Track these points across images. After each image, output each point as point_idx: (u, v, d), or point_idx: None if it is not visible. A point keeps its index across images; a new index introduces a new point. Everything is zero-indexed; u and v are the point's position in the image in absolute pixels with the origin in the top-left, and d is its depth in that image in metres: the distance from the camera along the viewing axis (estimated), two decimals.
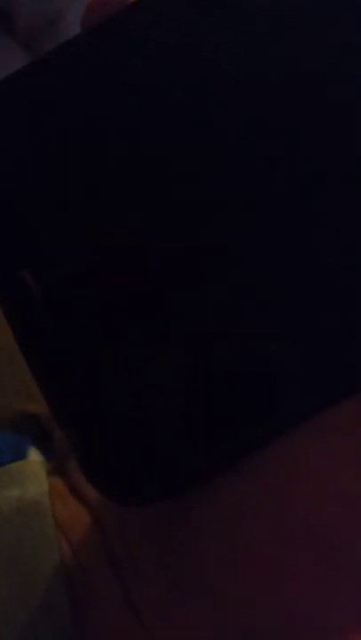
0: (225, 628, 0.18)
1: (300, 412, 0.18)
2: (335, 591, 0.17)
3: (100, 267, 0.19)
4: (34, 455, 0.59)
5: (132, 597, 0.19)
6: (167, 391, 0.18)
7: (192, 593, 0.18)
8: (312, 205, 0.18)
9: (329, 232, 0.18)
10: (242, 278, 0.18)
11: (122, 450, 0.18)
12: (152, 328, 0.18)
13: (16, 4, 0.83)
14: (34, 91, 0.19)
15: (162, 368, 0.18)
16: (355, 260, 0.18)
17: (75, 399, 0.19)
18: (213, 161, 0.18)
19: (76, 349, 0.19)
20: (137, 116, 0.18)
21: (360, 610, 0.17)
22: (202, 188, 0.18)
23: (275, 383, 0.18)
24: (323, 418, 0.17)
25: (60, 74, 0.19)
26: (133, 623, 0.19)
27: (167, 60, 0.18)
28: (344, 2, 0.18)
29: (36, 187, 0.19)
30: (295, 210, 0.18)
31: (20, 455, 0.60)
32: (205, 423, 0.18)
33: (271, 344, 0.18)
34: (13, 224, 0.19)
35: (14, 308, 0.19)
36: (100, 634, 0.19)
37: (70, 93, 0.19)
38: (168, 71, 0.18)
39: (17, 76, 0.19)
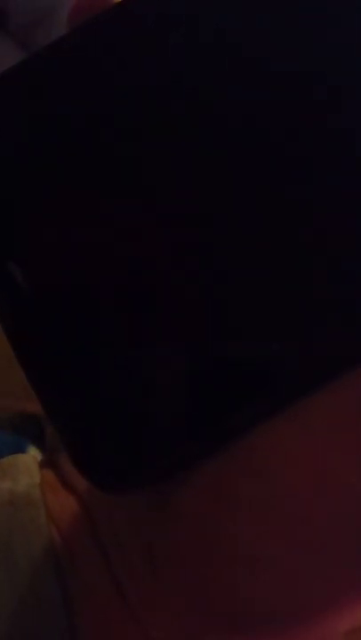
0: (210, 614, 0.18)
1: (294, 390, 0.18)
2: (316, 576, 0.18)
3: (92, 264, 0.19)
4: (34, 454, 0.60)
5: (120, 583, 0.19)
6: (155, 375, 0.18)
7: (175, 578, 0.18)
8: (308, 204, 0.19)
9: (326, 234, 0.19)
10: (239, 276, 0.19)
11: (108, 435, 0.18)
12: (143, 321, 0.19)
13: (10, 0, 0.83)
14: (25, 88, 0.19)
15: (152, 354, 0.19)
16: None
17: (63, 388, 0.19)
18: (210, 159, 0.19)
19: (66, 342, 0.19)
20: (122, 115, 0.19)
21: (340, 595, 0.18)
22: (198, 185, 0.19)
23: (268, 364, 0.18)
24: (313, 401, 0.17)
25: (50, 72, 0.19)
26: (121, 607, 0.19)
27: (152, 58, 0.19)
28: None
29: (24, 183, 0.19)
30: (288, 209, 0.19)
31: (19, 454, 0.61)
32: (195, 407, 0.18)
33: (271, 345, 0.18)
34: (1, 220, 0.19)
35: (5, 307, 0.19)
36: (88, 618, 0.20)
37: (61, 91, 0.19)
38: (151, 69, 0.19)
39: (8, 74, 0.19)
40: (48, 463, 0.24)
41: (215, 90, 0.19)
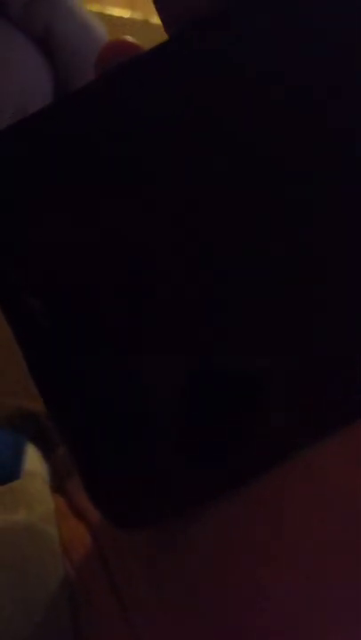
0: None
1: (294, 435, 0.18)
2: (323, 608, 0.18)
3: (93, 271, 0.19)
4: (32, 452, 0.60)
5: (133, 625, 0.20)
6: (167, 409, 0.18)
7: (188, 622, 0.19)
8: (304, 224, 0.18)
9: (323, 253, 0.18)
10: (237, 290, 0.19)
11: (124, 472, 0.19)
12: (151, 340, 0.19)
13: None
14: (49, 137, 0.19)
15: (162, 383, 0.18)
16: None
17: (79, 416, 0.19)
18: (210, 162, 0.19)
19: (80, 366, 0.19)
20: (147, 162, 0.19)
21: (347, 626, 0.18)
22: (196, 204, 0.19)
23: (266, 399, 0.18)
24: (323, 447, 0.17)
25: (72, 122, 0.19)
26: (128, 637, 0.20)
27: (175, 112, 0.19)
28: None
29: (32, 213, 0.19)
30: (287, 225, 0.19)
31: (18, 452, 0.61)
32: (203, 443, 0.18)
33: (263, 357, 0.18)
34: (15, 248, 0.19)
35: (21, 329, 0.19)
36: None
37: (83, 141, 0.19)
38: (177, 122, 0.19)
39: (30, 123, 0.19)
40: (57, 489, 0.24)
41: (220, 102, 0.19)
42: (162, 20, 0.19)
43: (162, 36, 0.19)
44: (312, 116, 0.18)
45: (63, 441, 0.19)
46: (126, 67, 0.19)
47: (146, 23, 1.16)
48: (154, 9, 0.19)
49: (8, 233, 0.19)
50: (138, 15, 1.19)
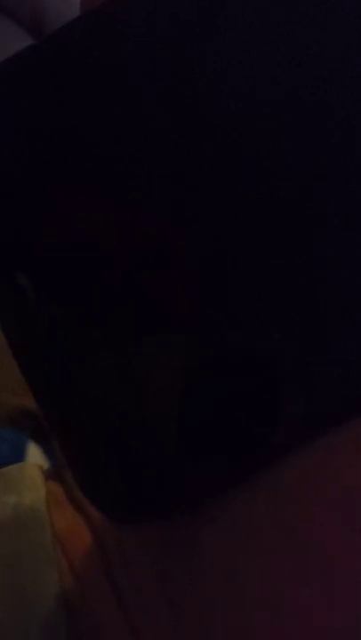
0: None
1: (307, 426, 0.17)
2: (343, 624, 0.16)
3: (94, 262, 0.18)
4: (33, 450, 0.59)
5: (135, 627, 0.18)
6: (166, 395, 0.17)
7: (191, 617, 0.17)
8: (316, 208, 0.18)
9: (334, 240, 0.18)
10: (241, 263, 0.18)
11: (120, 463, 0.17)
12: (150, 323, 0.18)
13: None
14: (28, 81, 0.19)
15: (161, 368, 0.18)
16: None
17: (71, 407, 0.18)
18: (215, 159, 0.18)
19: (72, 353, 0.18)
20: (123, 114, 0.18)
21: None
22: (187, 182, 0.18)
23: (277, 383, 0.17)
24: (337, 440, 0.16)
25: (54, 65, 0.19)
26: None
27: (162, 56, 0.18)
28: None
29: (25, 185, 0.19)
30: (299, 212, 0.18)
31: (19, 450, 0.60)
32: (205, 433, 0.17)
33: (273, 335, 0.17)
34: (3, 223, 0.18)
35: (7, 311, 0.18)
36: None
37: (63, 85, 0.19)
38: (162, 69, 0.18)
39: (9, 64, 0.18)
40: (55, 476, 0.22)
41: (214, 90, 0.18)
42: None
43: None
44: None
45: (52, 429, 0.17)
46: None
47: None
48: None
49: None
50: None
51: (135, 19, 0.18)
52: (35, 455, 0.58)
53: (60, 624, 0.18)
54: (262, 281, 0.18)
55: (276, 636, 0.16)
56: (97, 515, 0.20)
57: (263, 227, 0.18)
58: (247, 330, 0.18)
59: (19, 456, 0.59)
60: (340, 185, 0.18)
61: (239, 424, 0.17)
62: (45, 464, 0.63)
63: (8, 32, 0.84)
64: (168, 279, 0.18)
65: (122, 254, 0.18)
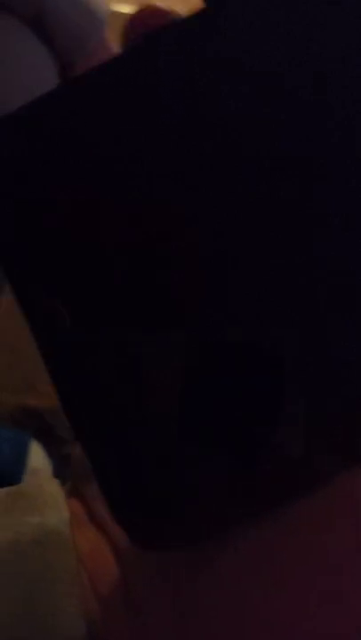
0: None
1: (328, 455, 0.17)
2: None
3: (94, 260, 0.18)
4: (35, 450, 0.59)
5: None
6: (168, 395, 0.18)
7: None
8: (316, 206, 0.18)
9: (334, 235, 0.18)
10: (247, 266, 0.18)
11: (151, 490, 0.17)
12: (151, 321, 0.18)
13: None
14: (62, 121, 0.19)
15: (162, 368, 0.18)
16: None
17: (104, 426, 0.18)
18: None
19: (106, 371, 0.18)
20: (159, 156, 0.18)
21: None
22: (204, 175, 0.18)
23: (277, 382, 0.17)
24: None
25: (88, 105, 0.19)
26: None
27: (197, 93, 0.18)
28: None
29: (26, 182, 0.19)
30: (301, 208, 0.18)
31: (20, 450, 0.60)
32: (205, 432, 0.17)
33: (273, 334, 0.18)
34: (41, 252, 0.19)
35: (43, 333, 0.18)
36: None
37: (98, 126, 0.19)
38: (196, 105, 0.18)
39: (43, 103, 0.18)
40: (74, 492, 0.22)
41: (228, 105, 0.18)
42: None
43: None
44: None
45: (84, 451, 0.17)
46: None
47: None
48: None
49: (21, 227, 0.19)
50: None
51: None
52: (37, 455, 0.58)
53: None
54: (262, 280, 0.18)
55: None
56: (119, 535, 0.20)
57: (263, 226, 0.18)
58: (247, 328, 0.18)
59: (21, 454, 0.59)
60: (339, 184, 0.18)
61: (239, 423, 0.17)
62: (48, 464, 0.62)
63: (11, 30, 0.84)
64: (169, 278, 0.18)
65: (122, 253, 0.18)
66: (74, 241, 0.18)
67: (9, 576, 0.19)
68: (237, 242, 0.18)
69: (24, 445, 0.58)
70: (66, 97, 0.19)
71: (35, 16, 0.86)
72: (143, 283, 0.18)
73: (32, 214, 0.19)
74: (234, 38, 0.18)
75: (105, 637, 0.18)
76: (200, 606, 0.17)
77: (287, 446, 0.17)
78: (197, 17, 0.18)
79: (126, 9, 1.12)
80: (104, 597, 0.19)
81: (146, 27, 0.18)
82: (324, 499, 0.17)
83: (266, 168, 0.18)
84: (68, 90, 0.19)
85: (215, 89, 0.18)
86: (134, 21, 0.18)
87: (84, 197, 0.18)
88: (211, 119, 0.18)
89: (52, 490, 0.22)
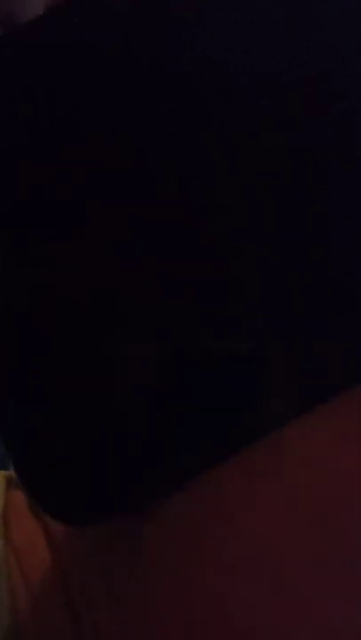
0: None
1: (282, 412, 0.16)
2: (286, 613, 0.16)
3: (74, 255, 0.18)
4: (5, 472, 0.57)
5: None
6: (136, 385, 0.17)
7: (135, 614, 0.16)
8: (310, 198, 0.17)
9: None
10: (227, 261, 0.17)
11: (70, 459, 0.16)
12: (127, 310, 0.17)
13: None
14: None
15: (133, 361, 0.17)
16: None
17: (20, 399, 0.17)
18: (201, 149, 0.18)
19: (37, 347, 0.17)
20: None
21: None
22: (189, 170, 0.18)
23: (260, 371, 0.17)
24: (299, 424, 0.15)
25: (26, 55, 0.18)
26: None
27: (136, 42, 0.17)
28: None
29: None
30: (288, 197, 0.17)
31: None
32: (184, 416, 0.17)
33: (255, 322, 0.17)
34: None
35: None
36: None
37: (37, 76, 0.18)
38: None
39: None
40: (18, 482, 0.22)
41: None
42: None
43: None
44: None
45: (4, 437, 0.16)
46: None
47: None
48: None
49: None
50: None
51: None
52: None
53: None
54: (244, 265, 0.17)
55: (218, 629, 0.16)
56: (53, 523, 0.19)
57: (248, 216, 0.17)
58: (227, 319, 0.17)
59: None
60: (338, 183, 0.17)
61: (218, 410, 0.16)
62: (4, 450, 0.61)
63: None
64: (144, 270, 0.17)
65: (97, 244, 0.17)
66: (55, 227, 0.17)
67: None
68: (218, 234, 0.17)
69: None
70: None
71: (6, 17, 0.86)
72: (118, 276, 0.17)
73: None
74: (233, 36, 0.17)
75: (36, 627, 0.18)
76: (135, 589, 0.17)
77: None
78: None
79: None
80: (37, 587, 0.18)
81: None
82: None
83: (264, 162, 0.17)
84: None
85: (212, 81, 0.17)
86: None
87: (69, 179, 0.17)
88: (208, 112, 0.17)
89: None
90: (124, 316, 0.17)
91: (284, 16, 0.18)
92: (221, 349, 0.17)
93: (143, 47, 0.17)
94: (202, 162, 0.17)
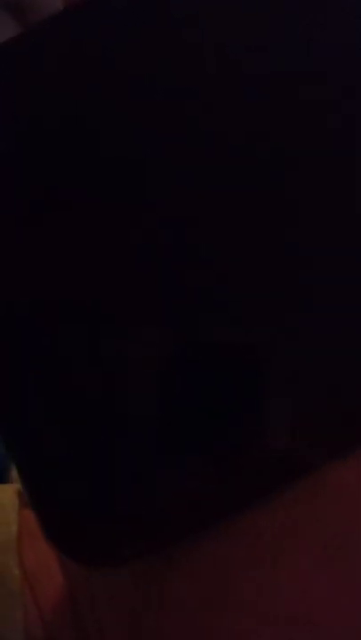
0: None
1: (300, 451, 0.16)
2: None
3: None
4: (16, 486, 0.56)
5: None
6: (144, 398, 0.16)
7: None
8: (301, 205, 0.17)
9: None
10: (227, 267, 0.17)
11: (87, 494, 0.16)
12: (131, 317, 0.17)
13: None
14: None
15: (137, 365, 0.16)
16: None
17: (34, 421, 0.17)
18: (196, 159, 0.17)
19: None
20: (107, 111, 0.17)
21: None
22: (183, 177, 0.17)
23: (259, 379, 0.16)
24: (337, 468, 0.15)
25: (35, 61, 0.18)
26: None
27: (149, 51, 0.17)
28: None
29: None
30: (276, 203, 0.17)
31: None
32: (186, 432, 0.16)
33: (257, 331, 0.17)
34: None
35: None
36: None
37: (44, 83, 0.18)
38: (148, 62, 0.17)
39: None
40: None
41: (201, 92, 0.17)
42: None
43: None
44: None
45: (11, 456, 0.16)
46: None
47: None
48: None
49: None
50: None
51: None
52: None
53: None
54: (242, 276, 0.17)
55: None
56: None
57: (240, 219, 0.17)
58: (227, 326, 0.17)
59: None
60: (311, 176, 0.17)
61: (221, 421, 0.16)
62: None
63: None
64: (142, 272, 0.17)
65: (95, 245, 0.17)
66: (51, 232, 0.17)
67: None
68: (213, 233, 0.17)
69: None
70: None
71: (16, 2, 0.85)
72: (116, 277, 0.17)
73: None
74: (232, 36, 0.17)
75: None
76: (153, 626, 0.16)
77: (271, 438, 0.16)
78: None
79: None
80: (49, 617, 0.18)
81: None
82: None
83: (249, 159, 0.17)
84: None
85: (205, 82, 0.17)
86: None
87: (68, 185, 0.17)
88: (198, 113, 0.17)
89: (5, 500, 0.21)
90: (124, 316, 0.17)
91: (287, 19, 0.17)
92: (221, 349, 0.16)
93: (144, 53, 0.17)
94: (193, 168, 0.17)
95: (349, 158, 0.17)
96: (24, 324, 0.17)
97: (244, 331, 0.16)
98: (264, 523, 0.15)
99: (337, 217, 0.17)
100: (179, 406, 0.16)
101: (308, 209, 0.17)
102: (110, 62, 0.17)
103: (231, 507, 0.15)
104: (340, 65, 0.17)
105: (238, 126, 0.17)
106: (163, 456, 0.16)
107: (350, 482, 0.15)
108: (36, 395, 0.17)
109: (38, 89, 0.18)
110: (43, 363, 0.17)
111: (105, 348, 0.16)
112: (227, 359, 0.16)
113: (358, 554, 0.15)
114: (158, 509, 0.16)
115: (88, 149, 0.17)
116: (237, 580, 0.15)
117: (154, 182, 0.17)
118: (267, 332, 0.16)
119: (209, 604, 0.15)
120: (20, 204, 0.17)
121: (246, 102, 0.17)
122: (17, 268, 0.17)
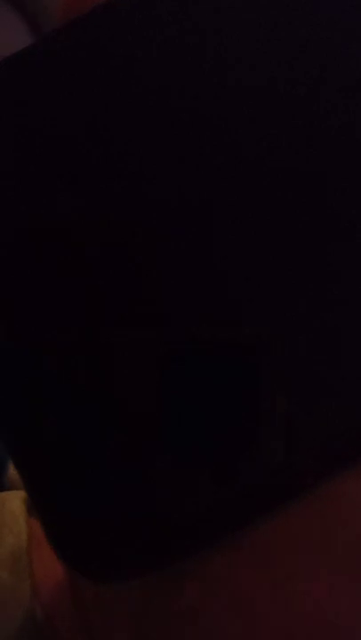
0: None
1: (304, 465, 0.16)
2: None
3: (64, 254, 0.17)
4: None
5: None
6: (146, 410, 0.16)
7: None
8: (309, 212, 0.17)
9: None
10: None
11: (97, 512, 0.16)
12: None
13: None
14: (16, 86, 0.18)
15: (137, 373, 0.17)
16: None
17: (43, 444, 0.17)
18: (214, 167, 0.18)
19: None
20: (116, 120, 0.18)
21: None
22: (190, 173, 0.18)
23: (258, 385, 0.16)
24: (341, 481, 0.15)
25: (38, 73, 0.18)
26: None
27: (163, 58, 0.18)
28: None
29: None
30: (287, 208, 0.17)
31: (1, 460, 0.58)
32: (188, 447, 0.16)
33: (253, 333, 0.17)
34: None
35: None
36: None
37: (52, 91, 0.18)
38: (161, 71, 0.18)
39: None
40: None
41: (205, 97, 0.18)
42: None
43: None
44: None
45: (21, 475, 0.16)
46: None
47: None
48: None
49: None
50: None
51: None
52: None
53: None
54: (243, 278, 0.17)
55: None
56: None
57: (248, 215, 0.17)
58: (225, 329, 0.17)
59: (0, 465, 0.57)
60: (339, 183, 0.17)
61: (219, 433, 0.16)
62: None
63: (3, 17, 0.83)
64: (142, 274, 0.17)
65: (94, 247, 0.17)
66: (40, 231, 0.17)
67: None
68: (219, 235, 0.18)
69: (3, 455, 0.56)
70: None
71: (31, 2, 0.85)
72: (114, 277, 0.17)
73: None
74: (231, 37, 0.18)
75: None
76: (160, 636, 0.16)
77: (270, 453, 0.16)
78: None
79: None
80: (57, 624, 0.18)
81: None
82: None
83: (264, 167, 0.18)
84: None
85: (213, 87, 0.18)
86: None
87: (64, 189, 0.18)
88: (208, 119, 0.18)
89: (14, 508, 0.21)
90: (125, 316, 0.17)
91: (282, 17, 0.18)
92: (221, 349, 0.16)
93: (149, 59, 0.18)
94: (191, 158, 0.18)
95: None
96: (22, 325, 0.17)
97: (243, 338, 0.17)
98: (277, 534, 0.15)
99: None
100: (180, 413, 0.16)
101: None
102: (120, 71, 0.17)
103: (240, 519, 0.15)
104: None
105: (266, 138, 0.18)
106: (167, 470, 0.16)
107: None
108: (37, 399, 0.17)
109: (47, 102, 0.18)
110: (42, 367, 0.17)
111: (104, 347, 0.16)
112: (227, 360, 0.16)
113: None
114: (165, 523, 0.16)
115: (94, 157, 0.18)
116: (250, 593, 0.15)
117: (154, 182, 0.17)
118: (272, 336, 0.16)
119: (221, 616, 0.15)
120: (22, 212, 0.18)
121: (281, 115, 0.18)
122: (15, 264, 0.17)
